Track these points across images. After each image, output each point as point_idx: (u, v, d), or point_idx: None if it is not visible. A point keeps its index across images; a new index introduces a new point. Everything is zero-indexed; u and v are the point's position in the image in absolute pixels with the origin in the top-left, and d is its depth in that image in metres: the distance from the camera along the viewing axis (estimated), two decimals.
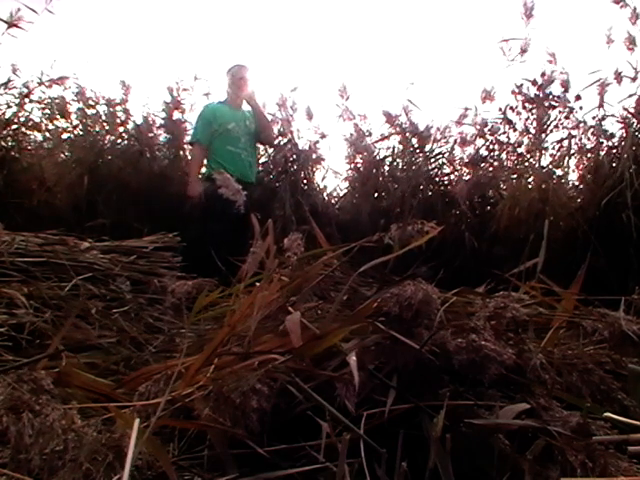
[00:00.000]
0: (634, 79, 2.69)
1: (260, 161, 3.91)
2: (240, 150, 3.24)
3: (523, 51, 3.01)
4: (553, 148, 2.96)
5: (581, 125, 2.87)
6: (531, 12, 2.95)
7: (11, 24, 2.92)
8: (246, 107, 3.38)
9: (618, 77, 2.78)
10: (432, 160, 3.44)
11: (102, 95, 3.94)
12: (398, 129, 3.52)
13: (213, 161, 3.21)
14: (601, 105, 2.78)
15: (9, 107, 3.53)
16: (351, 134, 3.71)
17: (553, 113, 2.95)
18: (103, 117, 3.92)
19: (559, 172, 2.88)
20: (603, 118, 2.79)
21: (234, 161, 3.19)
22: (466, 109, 3.38)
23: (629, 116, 2.65)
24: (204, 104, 3.57)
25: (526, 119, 3.07)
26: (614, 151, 2.69)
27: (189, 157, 3.78)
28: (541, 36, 3.29)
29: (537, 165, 2.94)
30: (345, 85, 3.70)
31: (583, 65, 3.09)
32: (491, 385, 0.88)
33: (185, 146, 3.92)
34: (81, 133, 3.87)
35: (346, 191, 3.85)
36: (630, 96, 2.64)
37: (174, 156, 3.99)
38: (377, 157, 3.64)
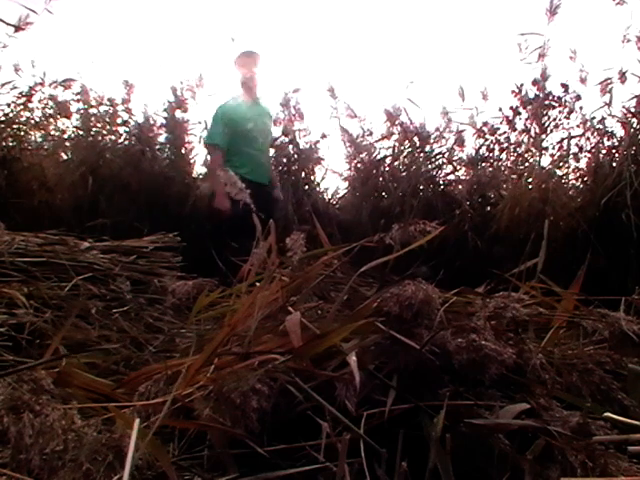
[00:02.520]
0: None
1: None
2: (256, 152, 3.09)
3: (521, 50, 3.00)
4: (553, 148, 2.96)
5: (582, 124, 2.87)
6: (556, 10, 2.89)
7: (19, 28, 2.91)
8: (262, 100, 3.24)
9: (622, 77, 2.78)
10: (432, 160, 3.44)
11: (104, 95, 3.95)
12: (399, 128, 3.52)
13: (229, 164, 2.92)
14: (608, 104, 2.77)
15: (11, 108, 3.53)
16: (352, 133, 3.71)
17: (553, 113, 2.95)
18: (105, 117, 3.91)
19: (559, 172, 2.88)
20: (604, 118, 2.79)
21: (250, 163, 3.03)
22: (464, 109, 3.39)
23: (629, 116, 2.65)
24: (218, 104, 3.28)
25: (526, 119, 3.07)
26: (614, 151, 2.68)
27: (208, 160, 3.57)
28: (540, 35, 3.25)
29: (537, 165, 2.94)
30: (350, 83, 3.72)
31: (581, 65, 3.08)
32: (491, 385, 0.88)
33: (186, 145, 3.90)
34: (82, 133, 3.87)
35: (346, 191, 3.85)
36: (635, 96, 2.63)
37: (175, 156, 3.99)
38: (377, 157, 3.64)
